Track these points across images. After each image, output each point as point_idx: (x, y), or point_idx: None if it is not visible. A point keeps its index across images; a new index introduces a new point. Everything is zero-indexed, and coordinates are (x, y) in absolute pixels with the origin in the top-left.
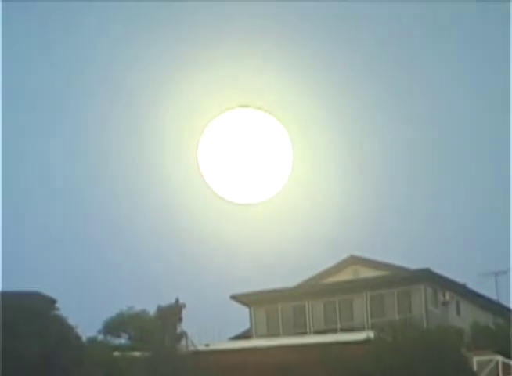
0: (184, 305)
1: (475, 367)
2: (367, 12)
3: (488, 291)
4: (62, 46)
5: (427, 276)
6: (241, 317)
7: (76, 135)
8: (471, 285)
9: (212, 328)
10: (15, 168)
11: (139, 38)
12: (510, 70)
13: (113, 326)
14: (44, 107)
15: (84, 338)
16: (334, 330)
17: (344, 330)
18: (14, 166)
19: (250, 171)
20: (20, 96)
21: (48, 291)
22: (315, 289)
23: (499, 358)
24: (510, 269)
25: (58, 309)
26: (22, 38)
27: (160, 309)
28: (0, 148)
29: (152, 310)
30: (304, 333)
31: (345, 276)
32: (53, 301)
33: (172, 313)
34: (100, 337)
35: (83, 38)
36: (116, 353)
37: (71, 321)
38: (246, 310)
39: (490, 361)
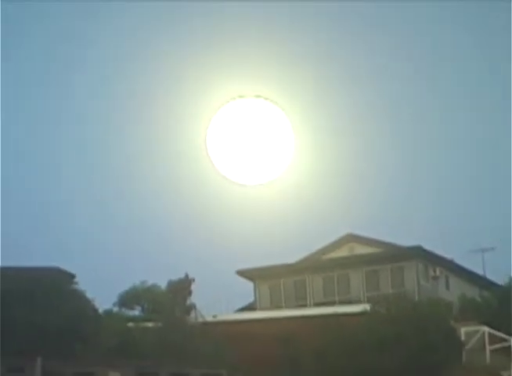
0: (193, 280)
1: (463, 337)
2: (369, 12)
3: (474, 266)
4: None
5: (418, 253)
6: (246, 291)
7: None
8: (459, 261)
9: (219, 301)
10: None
11: (156, 36)
12: (511, 70)
13: (128, 299)
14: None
15: (100, 310)
16: (333, 303)
17: (341, 302)
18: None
19: (254, 154)
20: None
21: (68, 267)
22: (315, 265)
23: (486, 329)
24: (495, 246)
25: (76, 283)
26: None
27: (170, 283)
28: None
29: (163, 284)
30: (305, 305)
31: (343, 252)
32: (72, 276)
33: (182, 287)
34: (115, 309)
35: (101, 36)
36: (130, 324)
37: (89, 295)
38: (251, 284)
39: (477, 332)
